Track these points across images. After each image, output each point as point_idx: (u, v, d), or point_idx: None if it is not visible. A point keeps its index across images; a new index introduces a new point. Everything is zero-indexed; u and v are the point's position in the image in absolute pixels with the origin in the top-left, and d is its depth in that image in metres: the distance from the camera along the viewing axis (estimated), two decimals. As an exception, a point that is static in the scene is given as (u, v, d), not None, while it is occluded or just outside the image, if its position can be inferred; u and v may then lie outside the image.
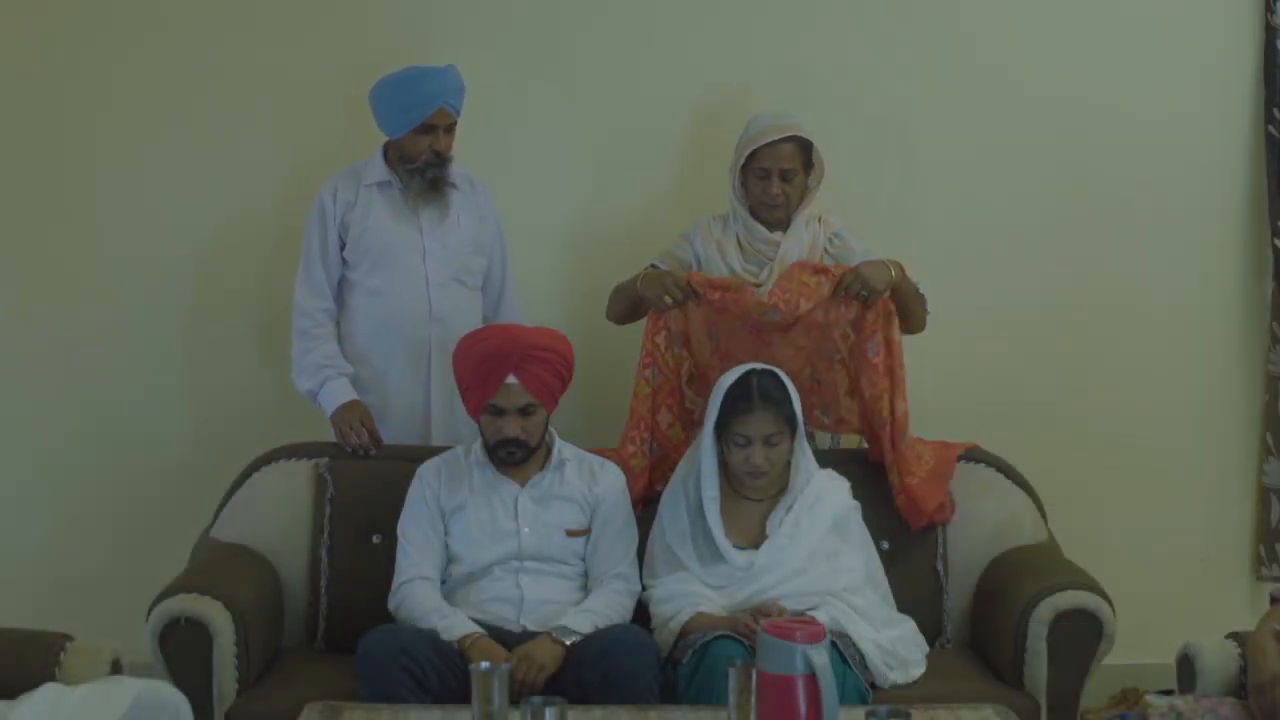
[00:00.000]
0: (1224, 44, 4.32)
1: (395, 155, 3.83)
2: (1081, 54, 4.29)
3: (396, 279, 3.82)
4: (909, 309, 3.72)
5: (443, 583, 3.43)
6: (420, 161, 3.78)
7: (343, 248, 3.85)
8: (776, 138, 3.73)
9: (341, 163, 3.95)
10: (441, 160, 3.80)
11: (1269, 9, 4.27)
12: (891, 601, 3.52)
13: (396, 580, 3.41)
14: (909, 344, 3.73)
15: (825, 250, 3.81)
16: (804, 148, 3.78)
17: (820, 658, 2.55)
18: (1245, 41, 4.31)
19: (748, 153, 3.75)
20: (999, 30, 4.29)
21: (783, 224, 3.82)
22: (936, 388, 4.27)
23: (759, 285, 3.73)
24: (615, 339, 3.89)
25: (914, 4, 4.30)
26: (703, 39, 4.26)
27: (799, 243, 3.79)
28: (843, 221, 3.86)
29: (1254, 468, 4.42)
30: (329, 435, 3.84)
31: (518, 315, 3.95)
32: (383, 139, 3.87)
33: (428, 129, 3.76)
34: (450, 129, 3.80)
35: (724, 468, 3.45)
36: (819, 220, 3.85)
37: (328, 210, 3.84)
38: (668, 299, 3.64)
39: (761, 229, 3.81)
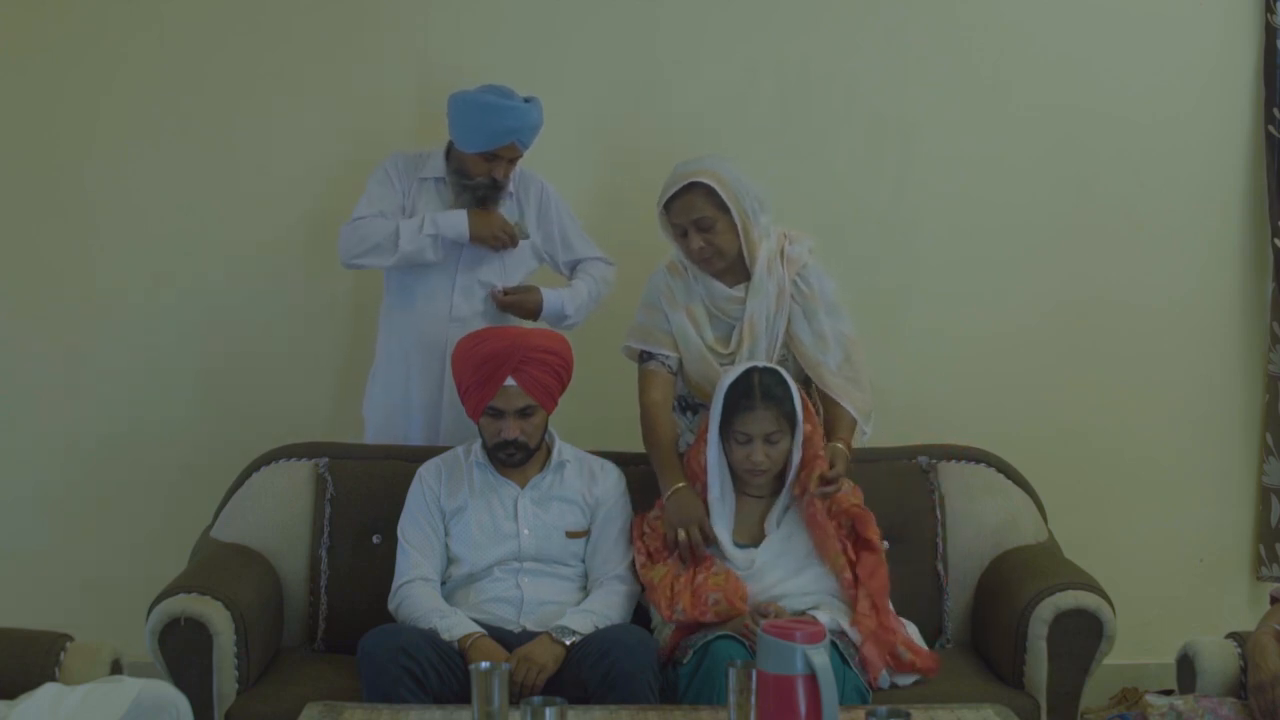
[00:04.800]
0: (1224, 44, 4.32)
1: (455, 165, 3.82)
2: (1081, 55, 4.29)
3: (425, 275, 3.81)
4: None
5: (443, 583, 3.43)
6: (475, 181, 3.78)
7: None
8: (675, 189, 3.44)
9: (343, 164, 3.95)
10: (496, 185, 3.79)
11: (1269, 9, 4.27)
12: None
13: (396, 581, 3.40)
14: (905, 343, 3.68)
15: (792, 298, 3.51)
16: (710, 192, 3.43)
17: (820, 658, 2.55)
18: (1245, 41, 4.31)
19: (659, 211, 3.50)
20: (998, 32, 4.29)
21: (737, 274, 3.53)
22: (937, 387, 4.28)
23: (729, 355, 3.53)
24: (616, 340, 3.88)
25: (914, 8, 4.30)
26: (704, 41, 4.26)
27: (764, 300, 3.50)
28: (813, 242, 3.57)
29: (1254, 468, 4.42)
30: (328, 436, 3.84)
31: (594, 283, 3.94)
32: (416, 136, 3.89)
33: (492, 156, 3.75)
34: (514, 160, 3.79)
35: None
36: (780, 256, 3.52)
37: (394, 180, 3.83)
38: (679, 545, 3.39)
39: (721, 287, 3.52)
